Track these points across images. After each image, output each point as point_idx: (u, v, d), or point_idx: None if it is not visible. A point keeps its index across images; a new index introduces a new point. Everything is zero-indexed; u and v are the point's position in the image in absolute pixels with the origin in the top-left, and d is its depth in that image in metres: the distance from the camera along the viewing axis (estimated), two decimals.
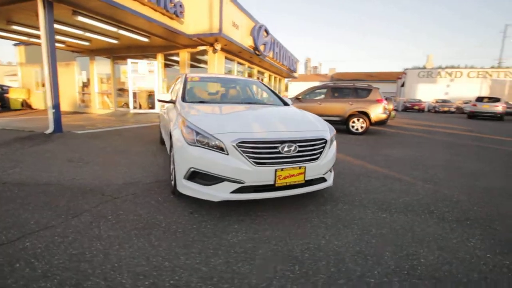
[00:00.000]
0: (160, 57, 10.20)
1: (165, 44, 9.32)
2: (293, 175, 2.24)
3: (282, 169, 2.19)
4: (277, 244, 1.90)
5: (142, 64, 9.68)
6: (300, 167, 2.25)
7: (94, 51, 10.94)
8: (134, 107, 10.20)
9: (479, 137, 8.07)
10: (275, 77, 17.16)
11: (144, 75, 9.78)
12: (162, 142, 4.97)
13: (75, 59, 11.74)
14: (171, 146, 2.73)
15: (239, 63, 11.60)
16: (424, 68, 30.92)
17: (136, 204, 2.50)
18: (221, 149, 2.17)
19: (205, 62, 10.04)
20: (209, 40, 8.75)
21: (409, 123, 12.37)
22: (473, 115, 16.59)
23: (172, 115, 3.10)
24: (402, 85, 30.34)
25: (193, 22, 8.13)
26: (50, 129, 5.95)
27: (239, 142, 2.14)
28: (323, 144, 2.41)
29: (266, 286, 1.47)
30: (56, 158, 4.12)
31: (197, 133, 2.28)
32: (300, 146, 2.28)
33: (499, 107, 15.83)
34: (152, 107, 10.51)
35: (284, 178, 2.21)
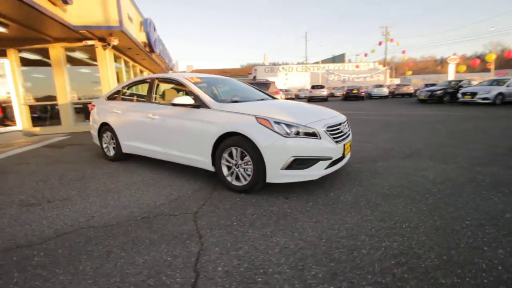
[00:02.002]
0: (13, 54, 7.32)
1: (23, 36, 6.86)
2: (348, 148, 3.05)
3: (345, 144, 2.95)
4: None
5: None
6: (349, 141, 3.09)
7: None
8: None
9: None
10: None
11: None
12: (117, 157, 4.30)
13: None
14: (243, 150, 2.75)
15: (125, 61, 10.12)
16: (263, 64, 37.68)
17: (230, 207, 2.53)
18: (314, 135, 2.64)
19: (83, 62, 8.21)
20: (98, 34, 7.29)
21: None
22: (311, 99, 22.58)
23: (191, 118, 3.12)
24: (254, 79, 35.68)
25: (80, 11, 6.53)
26: None
27: (327, 128, 2.71)
28: (347, 124, 3.34)
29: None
30: None
31: (288, 126, 2.61)
32: (343, 127, 3.10)
33: (324, 92, 22.67)
34: (9, 123, 7.51)
35: (345, 150, 2.98)
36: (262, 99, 3.77)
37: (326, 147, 2.71)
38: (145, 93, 4.28)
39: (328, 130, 2.79)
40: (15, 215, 2.59)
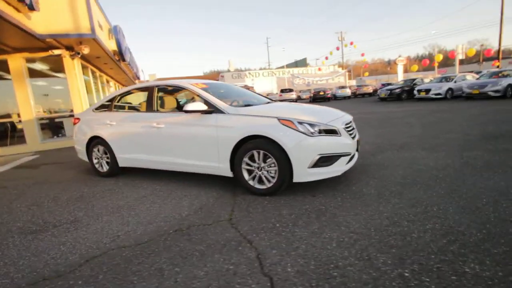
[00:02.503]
0: None
1: None
2: (358, 143, 3.22)
3: (358, 140, 3.11)
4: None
5: None
6: (358, 137, 3.26)
7: None
8: None
9: None
10: (118, 86, 14.97)
11: None
12: (112, 173, 4.02)
13: None
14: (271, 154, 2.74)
15: (92, 71, 9.41)
16: (229, 70, 37.77)
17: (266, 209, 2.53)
18: (335, 132, 2.75)
19: (47, 73, 7.50)
20: (66, 42, 6.73)
21: None
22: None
23: (202, 125, 3.08)
24: None
25: (47, 19, 5.96)
26: None
27: (345, 125, 2.84)
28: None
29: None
30: None
31: (311, 125, 2.69)
32: (353, 124, 3.27)
33: (293, 95, 23.55)
34: None
35: (357, 146, 3.15)
36: (268, 102, 3.82)
37: (346, 143, 2.84)
38: (140, 102, 4.08)
39: (345, 128, 2.93)
40: (22, 244, 2.28)
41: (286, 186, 2.82)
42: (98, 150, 4.14)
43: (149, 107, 3.67)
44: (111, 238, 2.28)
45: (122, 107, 4.22)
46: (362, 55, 34.81)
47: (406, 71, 40.91)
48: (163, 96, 3.83)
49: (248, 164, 2.92)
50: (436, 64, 29.60)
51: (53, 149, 7.36)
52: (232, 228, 2.27)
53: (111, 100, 4.14)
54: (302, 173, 2.69)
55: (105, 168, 4.13)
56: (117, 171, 4.08)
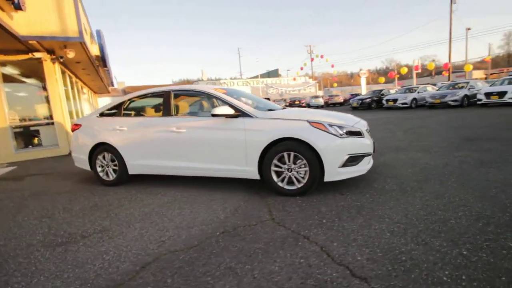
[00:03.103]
0: None
1: None
2: (374, 145, 3.48)
3: (373, 142, 3.37)
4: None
5: None
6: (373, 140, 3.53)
7: None
8: None
9: None
10: (91, 93, 14.07)
11: None
12: (120, 181, 3.86)
13: None
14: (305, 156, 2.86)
15: (69, 76, 8.80)
16: (201, 79, 37.56)
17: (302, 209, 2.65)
18: (359, 134, 2.97)
19: (19, 78, 6.91)
20: (47, 45, 6.28)
21: None
22: None
23: (230, 128, 3.14)
24: None
25: (32, 19, 5.53)
26: None
27: (366, 128, 3.07)
28: None
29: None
30: None
31: (340, 127, 2.87)
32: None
33: None
34: None
35: (373, 147, 3.40)
36: (284, 108, 3.97)
37: (368, 144, 3.06)
38: (149, 107, 3.99)
39: (367, 130, 3.16)
40: (54, 257, 2.10)
41: (316, 186, 2.95)
42: (104, 158, 3.92)
43: (166, 111, 3.60)
44: (156, 244, 2.20)
45: (134, 112, 4.06)
46: (332, 66, 36.94)
47: (368, 83, 44.17)
48: (180, 100, 3.79)
49: (277, 166, 3.00)
50: (397, 76, 32.39)
51: (28, 160, 6.70)
52: (280, 227, 2.32)
53: (119, 105, 3.97)
54: (333, 172, 2.85)
55: (111, 176, 3.91)
56: (125, 179, 3.89)
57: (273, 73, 42.62)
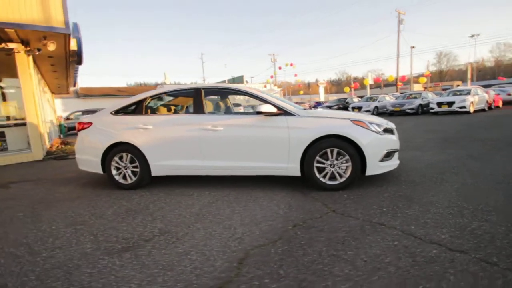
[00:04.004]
0: None
1: None
2: None
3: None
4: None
5: None
6: None
7: None
8: None
9: None
10: (50, 93, 12.50)
11: None
12: (140, 184, 3.61)
13: None
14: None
15: (37, 72, 7.76)
16: (164, 83, 36.23)
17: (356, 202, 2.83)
18: (392, 131, 3.25)
19: None
20: (23, 35, 5.53)
21: None
22: None
23: (274, 125, 3.19)
24: None
25: (7, 4, 4.83)
26: None
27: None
28: None
29: None
30: None
31: (378, 125, 3.12)
32: None
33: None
34: None
35: None
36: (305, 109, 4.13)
37: (397, 140, 3.37)
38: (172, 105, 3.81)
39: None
40: (130, 263, 1.92)
41: (357, 180, 3.14)
42: (121, 159, 3.60)
43: (198, 109, 3.48)
44: (236, 241, 2.14)
45: (158, 109, 3.81)
46: (296, 75, 38.73)
47: (326, 92, 47.31)
48: (212, 99, 3.69)
49: (319, 162, 3.13)
50: (352, 87, 35.39)
51: None
52: (347, 217, 2.43)
53: (139, 102, 3.70)
54: (374, 166, 3.07)
55: (130, 179, 3.60)
56: (146, 182, 3.62)
57: (238, 79, 42.90)
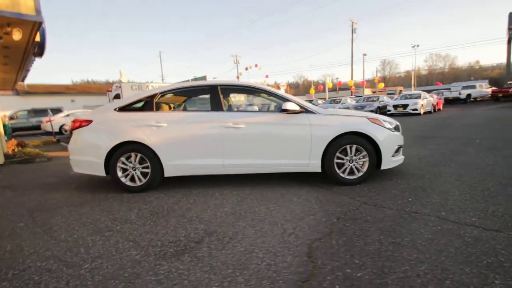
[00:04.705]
0: None
1: None
2: None
3: None
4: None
5: None
6: None
7: None
8: None
9: None
10: None
11: None
12: (149, 186, 3.38)
13: None
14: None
15: None
16: (120, 81, 33.77)
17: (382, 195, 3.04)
18: (398, 129, 3.55)
19: None
20: None
21: None
22: None
23: (298, 123, 3.26)
24: (116, 98, 30.97)
25: None
26: None
27: None
28: None
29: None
30: None
31: (389, 123, 3.39)
32: None
33: None
34: None
35: None
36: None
37: (402, 137, 3.69)
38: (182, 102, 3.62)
39: None
40: (194, 265, 1.82)
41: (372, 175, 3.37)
42: (128, 159, 3.30)
43: (216, 106, 3.37)
44: (291, 237, 2.15)
45: (168, 106, 3.55)
46: (267, 76, 39.34)
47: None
48: (229, 95, 3.58)
49: (338, 158, 3.28)
50: (312, 90, 37.43)
51: None
52: (382, 208, 2.60)
53: (150, 98, 3.43)
54: (388, 161, 3.33)
55: (140, 181, 3.33)
56: (157, 183, 3.39)
57: (201, 79, 42.05)
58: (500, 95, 19.12)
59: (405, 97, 16.34)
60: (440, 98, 18.31)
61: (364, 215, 2.47)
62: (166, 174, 3.36)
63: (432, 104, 16.06)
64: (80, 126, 3.39)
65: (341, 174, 3.30)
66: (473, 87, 22.33)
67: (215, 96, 3.43)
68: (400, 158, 3.54)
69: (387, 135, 3.32)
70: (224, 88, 3.56)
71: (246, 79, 42.22)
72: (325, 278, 1.64)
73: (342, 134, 3.25)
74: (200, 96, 4.02)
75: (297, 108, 3.25)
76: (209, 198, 3.10)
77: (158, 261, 1.88)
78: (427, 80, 70.02)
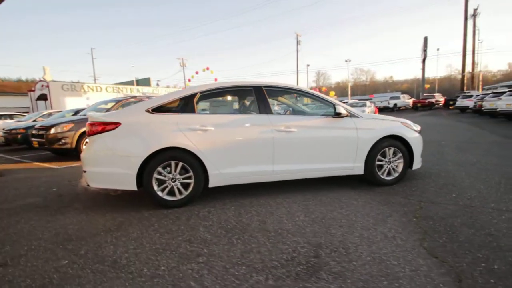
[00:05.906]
0: None
1: None
2: None
3: None
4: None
5: None
6: None
7: None
8: None
9: None
10: None
11: None
12: (191, 199, 2.97)
13: None
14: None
15: None
16: (43, 79, 28.51)
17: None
18: (420, 132, 3.92)
19: None
20: None
21: None
22: None
23: (345, 127, 3.32)
24: (41, 99, 25.73)
25: None
26: None
27: None
28: None
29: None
30: None
31: (415, 126, 3.72)
32: None
33: None
34: None
35: None
36: None
37: None
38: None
39: None
40: (339, 278, 1.63)
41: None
42: (168, 169, 2.80)
43: (264, 109, 3.14)
44: (397, 241, 2.14)
45: (213, 109, 3.11)
46: (216, 80, 38.29)
47: None
48: (273, 98, 3.36)
49: (379, 160, 3.44)
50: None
51: None
52: (441, 204, 2.83)
53: (190, 98, 2.97)
54: (418, 161, 3.64)
55: (180, 193, 2.86)
56: (198, 195, 2.96)
57: (144, 82, 38.64)
58: (419, 105, 23.15)
59: (352, 105, 18.26)
60: (377, 107, 21.08)
61: (434, 212, 2.64)
62: (211, 185, 2.98)
63: (373, 112, 18.35)
64: (103, 131, 2.74)
65: (381, 176, 3.47)
66: (398, 97, 26.45)
67: (262, 98, 3.21)
68: (421, 160, 3.92)
69: (416, 137, 3.64)
70: (269, 90, 3.37)
71: (197, 82, 40.84)
72: (472, 274, 1.69)
73: (382, 138, 3.44)
74: (229, 98, 3.71)
75: (345, 112, 3.30)
76: (270, 207, 2.87)
77: (301, 283, 1.64)
78: (353, 92, 79.97)
